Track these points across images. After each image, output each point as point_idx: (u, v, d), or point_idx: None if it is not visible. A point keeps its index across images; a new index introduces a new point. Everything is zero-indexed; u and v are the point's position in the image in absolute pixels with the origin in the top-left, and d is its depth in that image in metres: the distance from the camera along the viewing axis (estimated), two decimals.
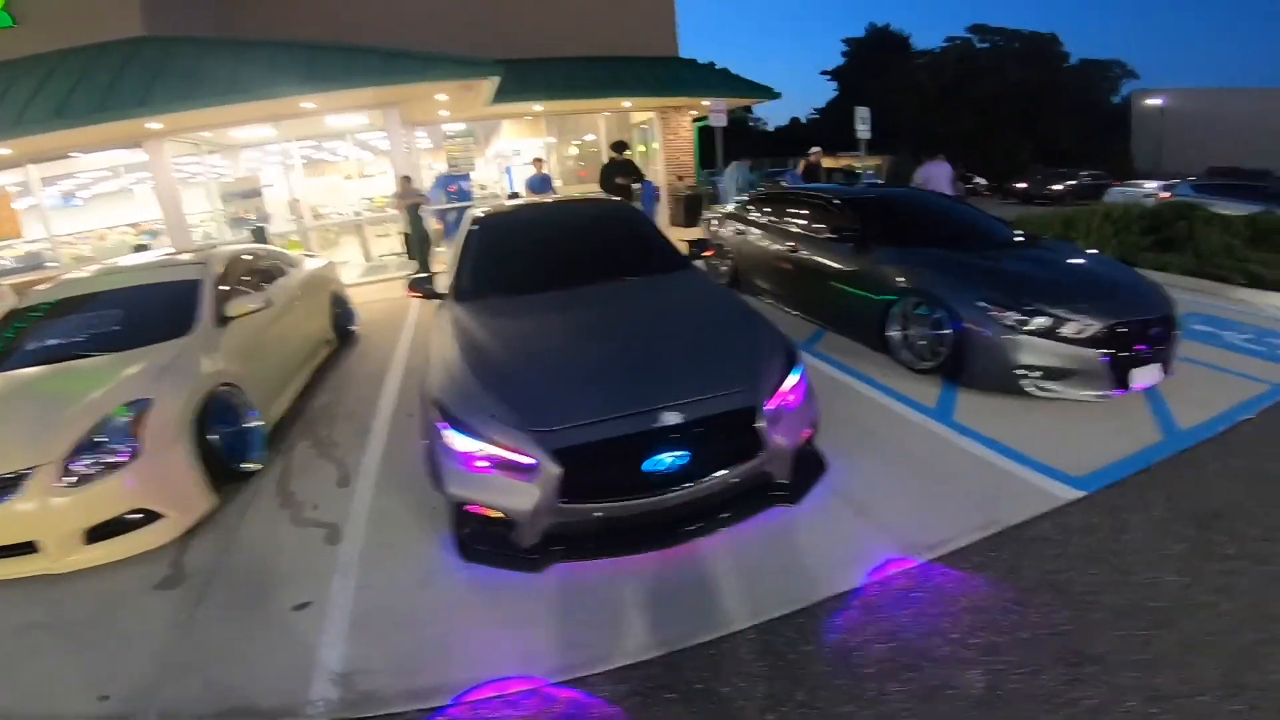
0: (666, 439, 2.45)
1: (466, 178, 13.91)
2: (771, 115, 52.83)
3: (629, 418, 2.44)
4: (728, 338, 3.08)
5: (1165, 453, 3.42)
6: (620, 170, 8.52)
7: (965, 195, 9.00)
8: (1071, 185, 22.95)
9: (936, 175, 9.07)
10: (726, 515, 2.65)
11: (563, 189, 13.68)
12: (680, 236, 8.44)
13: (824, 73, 50.24)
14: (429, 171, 14.85)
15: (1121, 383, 3.78)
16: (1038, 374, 3.82)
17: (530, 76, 12.44)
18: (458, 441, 2.48)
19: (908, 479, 3.29)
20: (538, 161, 10.71)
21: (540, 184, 10.02)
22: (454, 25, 12.57)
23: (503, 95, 11.40)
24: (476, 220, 4.47)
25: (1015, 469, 3.32)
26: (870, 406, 4.11)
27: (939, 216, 5.35)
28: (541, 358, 2.90)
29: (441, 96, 10.68)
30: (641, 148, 15.79)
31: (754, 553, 2.76)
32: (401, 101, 10.73)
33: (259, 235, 9.26)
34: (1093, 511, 2.97)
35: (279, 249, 6.56)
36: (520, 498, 2.37)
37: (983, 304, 3.95)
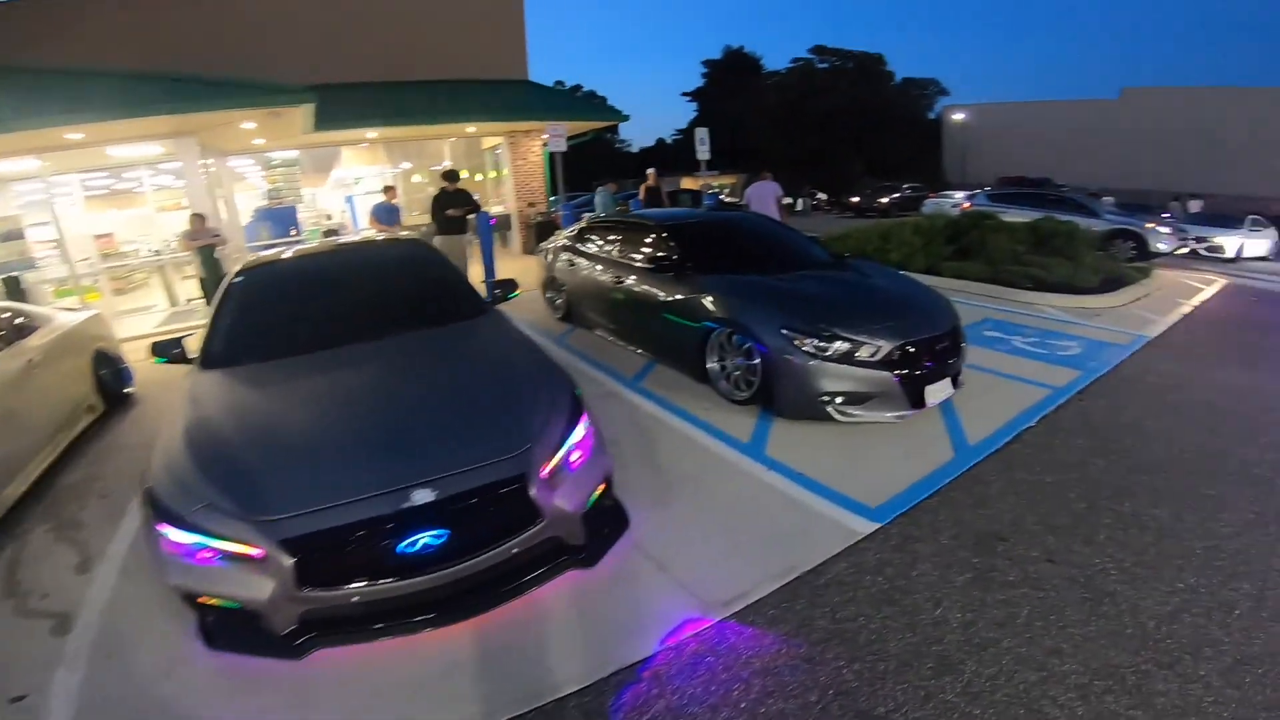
0: (420, 519, 2.26)
1: (292, 211, 12.76)
2: (637, 137, 54.14)
3: (371, 499, 2.24)
4: (505, 397, 2.82)
5: (955, 472, 3.55)
6: (452, 201, 8.02)
7: (788, 214, 9.35)
8: (895, 198, 25.36)
9: (761, 195, 9.38)
10: (509, 589, 2.47)
11: (417, 219, 13.00)
12: (528, 268, 8.20)
13: (684, 94, 52.50)
14: (247, 204, 13.52)
15: (918, 401, 3.91)
16: (840, 399, 3.87)
17: (364, 101, 11.68)
18: (174, 534, 2.27)
19: (714, 526, 3.17)
20: (389, 190, 9.89)
21: (387, 214, 9.26)
22: (280, 49, 11.53)
23: (334, 121, 10.62)
24: (239, 273, 3.93)
25: (818, 504, 3.30)
26: (685, 446, 3.98)
27: (755, 241, 5.42)
28: (280, 434, 2.63)
29: (249, 124, 9.64)
30: (493, 174, 15.33)
31: (545, 623, 2.58)
32: (200, 130, 9.57)
33: (10, 286, 7.77)
34: (886, 546, 2.97)
35: (19, 305, 5.45)
36: (253, 588, 2.20)
37: (786, 332, 3.96)
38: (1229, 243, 13.67)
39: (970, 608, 2.57)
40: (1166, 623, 2.44)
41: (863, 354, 3.83)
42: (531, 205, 14.19)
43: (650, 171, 11.59)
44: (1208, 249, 13.70)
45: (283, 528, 2.18)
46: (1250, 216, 14.79)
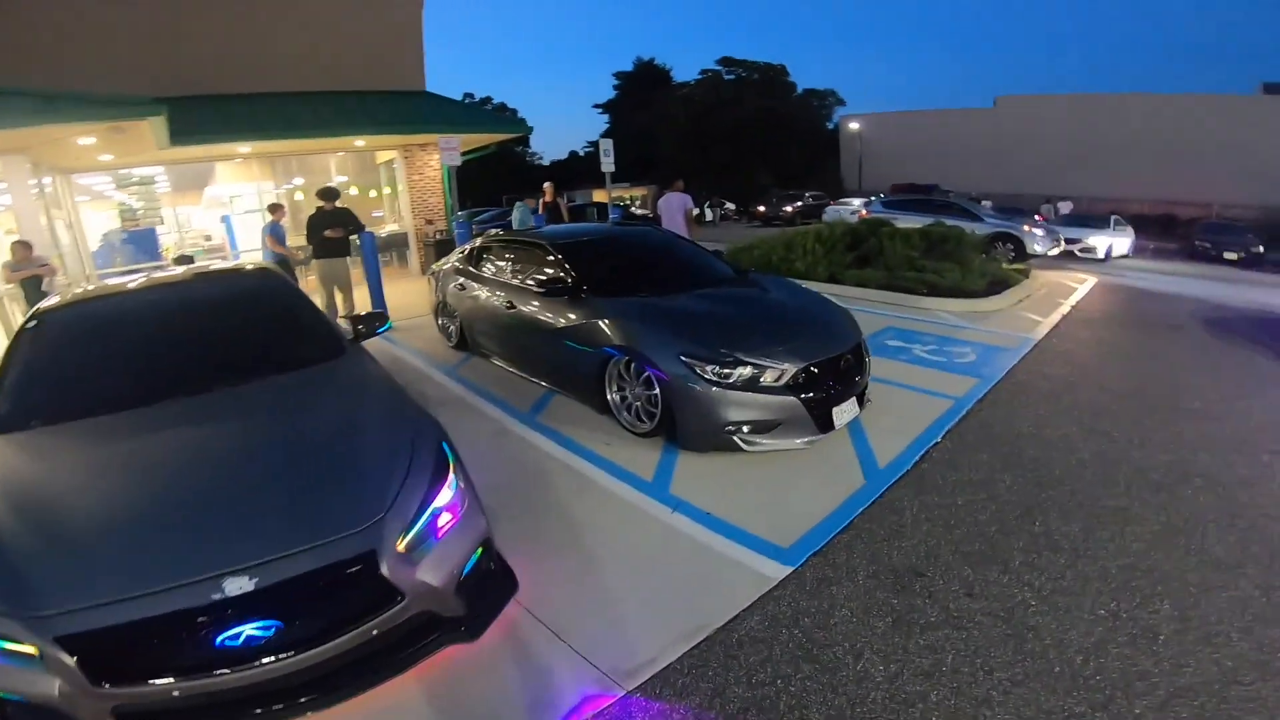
0: (238, 611, 1.91)
1: (151, 233, 11.46)
2: (549, 149, 53.54)
3: (172, 591, 1.88)
4: (354, 457, 2.37)
5: (866, 500, 3.38)
6: (331, 221, 7.29)
7: (697, 225, 9.21)
8: (799, 206, 26.19)
9: (669, 208, 9.22)
10: (370, 674, 2.07)
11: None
12: (426, 290, 7.53)
13: (596, 106, 52.40)
14: (104, 226, 12.04)
15: (825, 424, 3.73)
16: (746, 428, 3.63)
17: (237, 114, 10.63)
18: None
19: (616, 581, 2.82)
20: (276, 209, 8.87)
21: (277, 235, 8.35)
22: (139, 60, 10.31)
23: (193, 135, 9.59)
24: (33, 316, 3.24)
25: (727, 548, 3.02)
26: (584, 488, 3.61)
27: (655, 258, 5.15)
28: (69, 512, 2.17)
29: (87, 140, 8.48)
30: (389, 189, 14.46)
31: (420, 709, 2.21)
32: (31, 147, 8.34)
33: None
34: (801, 592, 2.72)
35: None
36: (39, 686, 1.87)
37: (685, 358, 3.68)
38: (1100, 243, 14.86)
39: (894, 657, 2.35)
40: (1094, 656, 2.32)
41: (767, 379, 3.61)
42: (430, 223, 13.44)
43: (547, 185, 11.11)
44: (1082, 250, 14.78)
45: (56, 624, 1.86)
46: (1113, 217, 16.23)
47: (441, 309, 6.40)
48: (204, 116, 10.42)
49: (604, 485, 3.62)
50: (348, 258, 7.62)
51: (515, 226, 10.72)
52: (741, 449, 3.66)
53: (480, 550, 2.39)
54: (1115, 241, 15.08)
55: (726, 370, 3.60)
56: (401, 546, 2.11)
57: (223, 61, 11.17)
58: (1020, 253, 12.86)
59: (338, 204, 7.49)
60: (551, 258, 4.84)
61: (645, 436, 4.02)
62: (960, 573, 2.83)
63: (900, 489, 3.50)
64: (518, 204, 11.37)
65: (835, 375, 3.84)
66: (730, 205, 32.48)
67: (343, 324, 3.57)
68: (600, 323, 4.16)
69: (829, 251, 9.82)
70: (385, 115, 12.00)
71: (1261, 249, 15.98)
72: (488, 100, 55.11)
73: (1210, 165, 26.46)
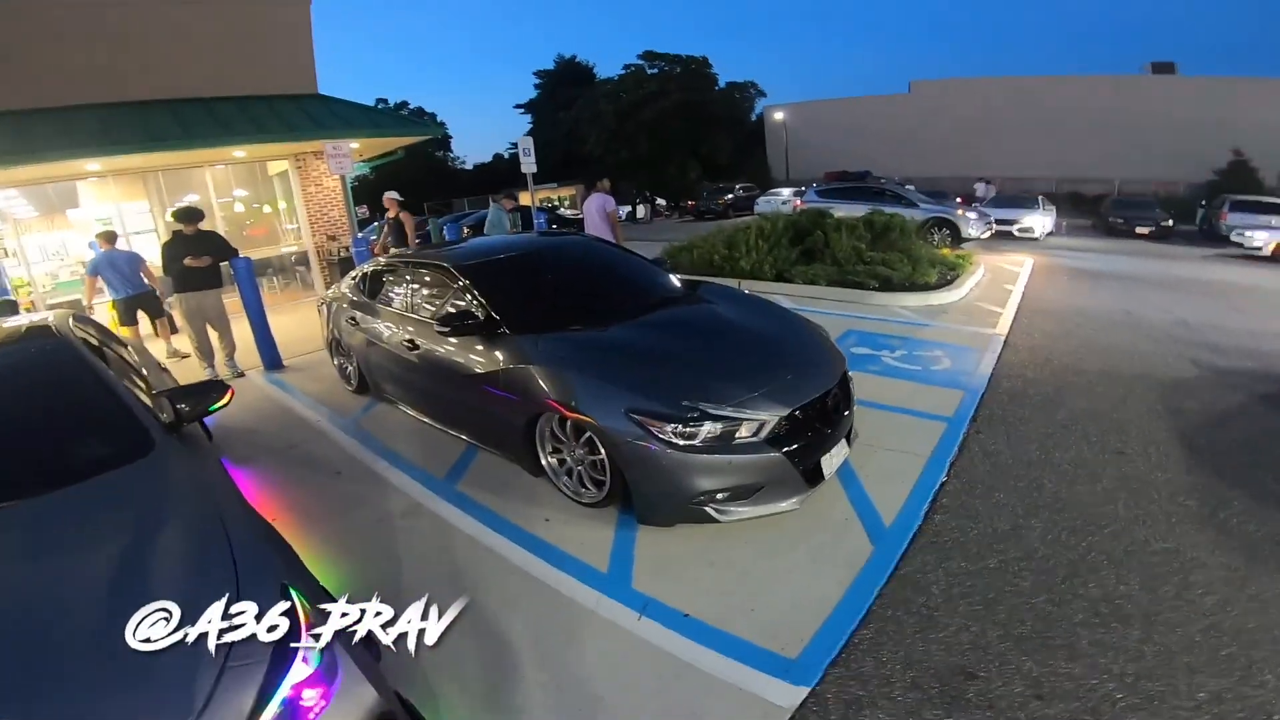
0: None
1: None
2: (473, 153, 51.53)
3: None
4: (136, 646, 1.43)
5: (881, 575, 2.67)
6: (192, 247, 6.02)
7: (620, 226, 8.40)
8: (729, 199, 25.85)
9: (589, 210, 8.29)
10: None
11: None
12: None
13: (517, 106, 50.52)
14: None
15: (815, 476, 3.01)
16: (721, 495, 2.85)
17: (85, 127, 9.06)
18: None
19: None
20: (110, 237, 7.44)
21: (128, 265, 6.96)
22: None
23: (37, 154, 8.29)
24: None
25: (718, 665, 2.25)
26: (522, 586, 2.75)
27: (586, 277, 4.30)
28: None
29: None
30: (284, 203, 12.94)
31: None
32: None
33: None
34: None
35: None
36: None
37: (636, 415, 2.85)
38: (1036, 223, 15.16)
39: None
40: None
41: (743, 433, 2.84)
42: (332, 239, 12.09)
43: (389, 197, 8.79)
44: (1020, 230, 14.98)
45: None
46: (1040, 197, 16.61)
47: (335, 347, 5.34)
48: (43, 132, 8.83)
49: (547, 581, 2.76)
50: (220, 289, 6.38)
51: (486, 232, 9.12)
52: (715, 519, 2.88)
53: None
54: (1045, 221, 15.44)
55: (690, 429, 2.79)
56: None
57: (74, 69, 9.52)
58: (956, 237, 12.75)
59: (201, 226, 6.23)
60: (459, 285, 3.90)
61: (594, 506, 3.19)
62: (1020, 667, 2.18)
63: (918, 554, 2.81)
64: (492, 204, 9.60)
65: (823, 416, 3.10)
66: (662, 201, 31.89)
67: (160, 402, 2.54)
68: (524, 369, 3.28)
69: (773, 248, 9.22)
70: (269, 121, 10.64)
71: (1170, 223, 16.62)
72: (404, 105, 52.35)
73: (1110, 143, 27.86)
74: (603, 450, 2.95)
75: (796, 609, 2.50)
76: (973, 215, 12.95)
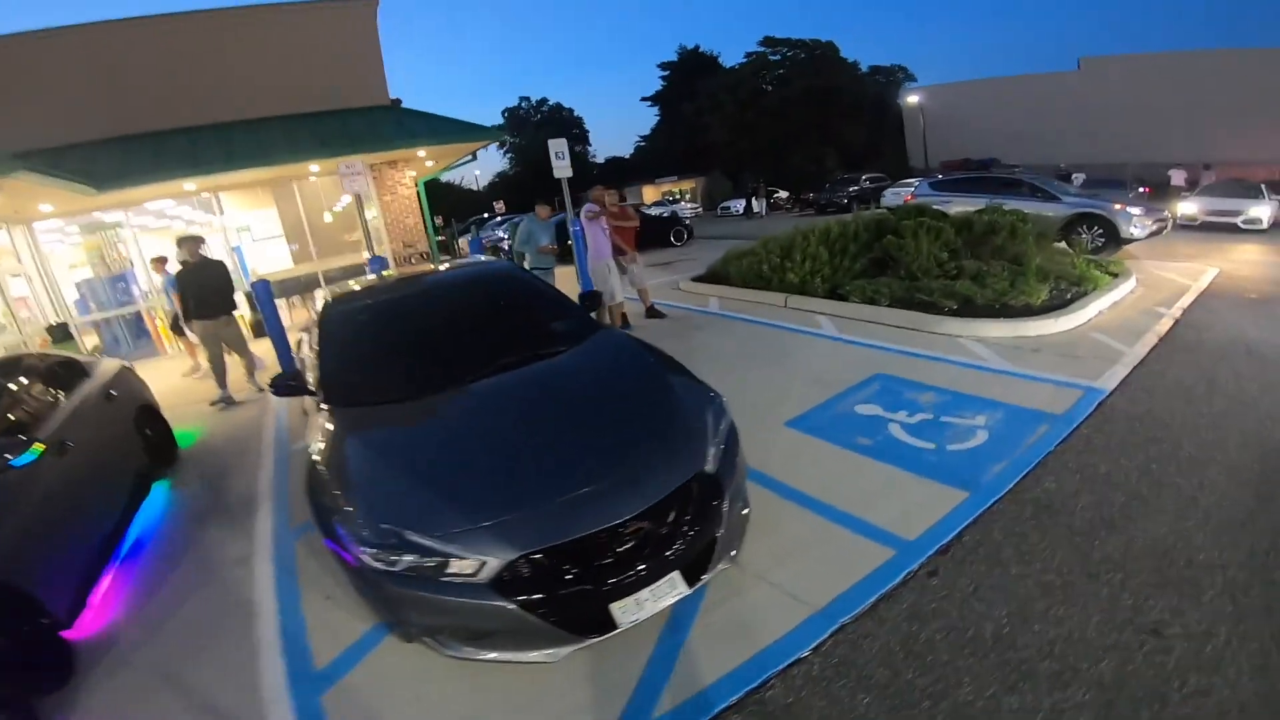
0: None
1: (125, 276, 10.93)
2: (606, 147, 52.69)
3: None
4: None
5: None
6: (203, 277, 6.11)
7: (554, 251, 7.13)
8: (854, 191, 23.34)
9: (588, 228, 6.92)
10: None
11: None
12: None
13: (644, 99, 50.56)
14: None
15: (597, 626, 2.03)
16: (441, 634, 2.10)
17: (173, 150, 9.95)
18: None
19: None
20: (160, 261, 8.02)
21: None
22: (81, 100, 9.83)
23: (131, 178, 9.00)
24: None
25: None
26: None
27: (449, 324, 3.43)
28: None
29: None
30: (371, 212, 13.46)
31: None
32: None
33: None
34: None
35: None
36: None
37: (342, 533, 2.19)
38: (1263, 213, 12.38)
39: None
40: None
41: (458, 569, 2.02)
42: (408, 246, 12.32)
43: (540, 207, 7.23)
44: (1245, 221, 12.40)
45: None
46: (1261, 184, 13.15)
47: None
48: (138, 157, 9.74)
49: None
50: (232, 313, 6.41)
51: (516, 249, 7.72)
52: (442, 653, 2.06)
53: None
54: (1268, 211, 12.42)
55: (392, 556, 2.05)
56: None
57: (164, 95, 10.49)
58: (1112, 238, 10.06)
59: (202, 253, 6.29)
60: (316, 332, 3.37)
61: None
62: None
63: None
64: (528, 215, 7.72)
65: (614, 555, 2.10)
66: (782, 194, 29.78)
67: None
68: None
69: (837, 255, 7.67)
70: (333, 137, 10.96)
71: None
72: (544, 102, 54.51)
73: None
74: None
75: None
76: (1136, 210, 10.12)
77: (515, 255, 7.90)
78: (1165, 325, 5.82)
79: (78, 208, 10.22)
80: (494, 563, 1.99)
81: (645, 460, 2.32)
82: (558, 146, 8.53)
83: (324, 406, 2.91)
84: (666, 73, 48.30)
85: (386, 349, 3.25)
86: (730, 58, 49.40)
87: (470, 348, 3.18)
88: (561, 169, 8.55)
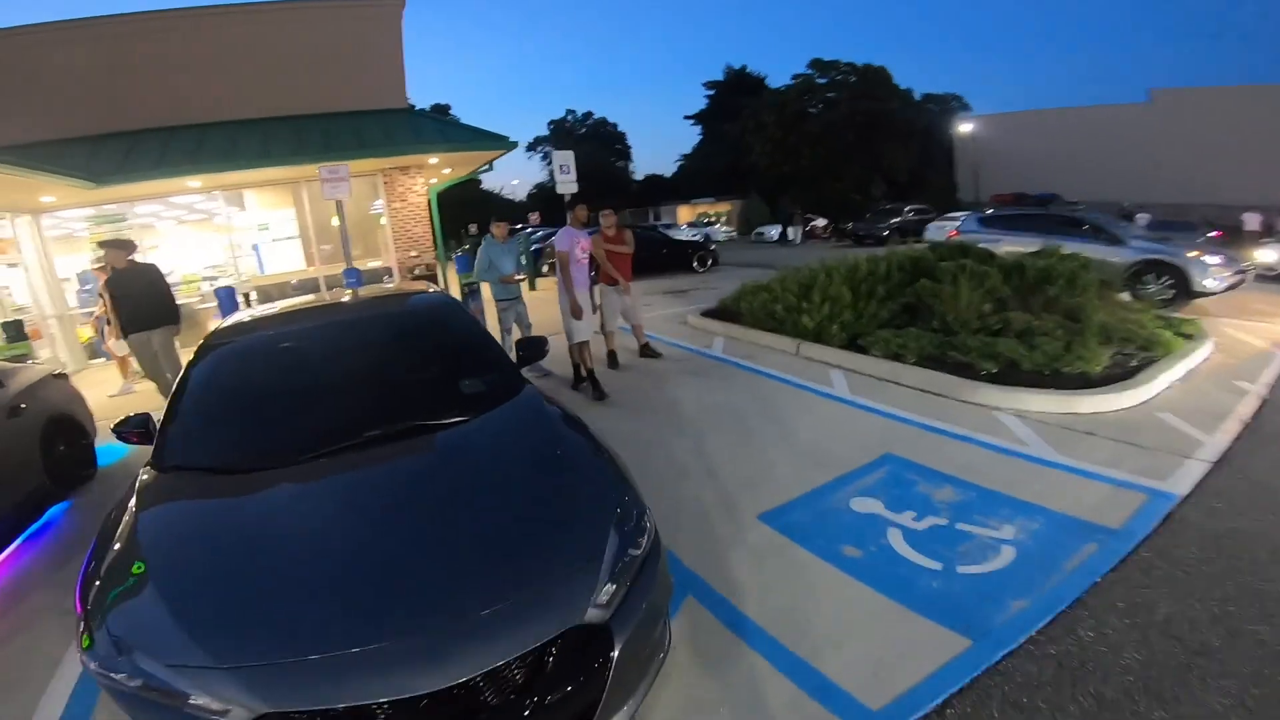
0: None
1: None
2: (647, 165, 52.64)
3: None
4: None
5: None
6: (132, 282, 5.65)
7: (524, 276, 6.28)
8: (896, 222, 22.24)
9: (563, 248, 5.82)
10: None
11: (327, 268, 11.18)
12: None
13: (687, 117, 50.35)
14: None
15: None
16: None
17: (179, 147, 9.76)
18: None
19: None
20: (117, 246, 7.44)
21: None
22: (86, 97, 9.71)
23: (126, 174, 8.89)
24: None
25: None
26: None
27: (337, 371, 2.76)
28: None
29: None
30: (384, 219, 13.12)
31: None
32: None
33: None
34: None
35: None
36: None
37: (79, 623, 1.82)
38: None
39: None
40: None
41: (208, 705, 1.55)
42: (415, 255, 11.88)
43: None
44: None
45: None
46: None
47: None
48: (140, 153, 9.54)
49: None
50: (171, 326, 5.91)
51: (476, 276, 6.77)
52: None
53: None
54: None
55: (115, 675, 1.66)
56: None
57: (174, 91, 10.33)
58: (1183, 289, 8.91)
59: (134, 258, 5.83)
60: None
61: None
62: None
63: None
64: (485, 239, 7.04)
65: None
66: (820, 221, 28.69)
67: None
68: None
69: (862, 298, 6.81)
70: (341, 139, 10.62)
71: None
72: (589, 115, 54.77)
73: None
74: None
75: None
76: (1213, 259, 8.96)
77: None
78: (1250, 406, 4.80)
79: (88, 200, 10.09)
80: (240, 713, 1.50)
81: (498, 603, 1.65)
82: (563, 159, 7.98)
83: (147, 464, 2.35)
84: (712, 91, 48.05)
85: (243, 404, 2.60)
86: (777, 80, 48.93)
87: (343, 410, 2.51)
88: (566, 184, 7.97)
